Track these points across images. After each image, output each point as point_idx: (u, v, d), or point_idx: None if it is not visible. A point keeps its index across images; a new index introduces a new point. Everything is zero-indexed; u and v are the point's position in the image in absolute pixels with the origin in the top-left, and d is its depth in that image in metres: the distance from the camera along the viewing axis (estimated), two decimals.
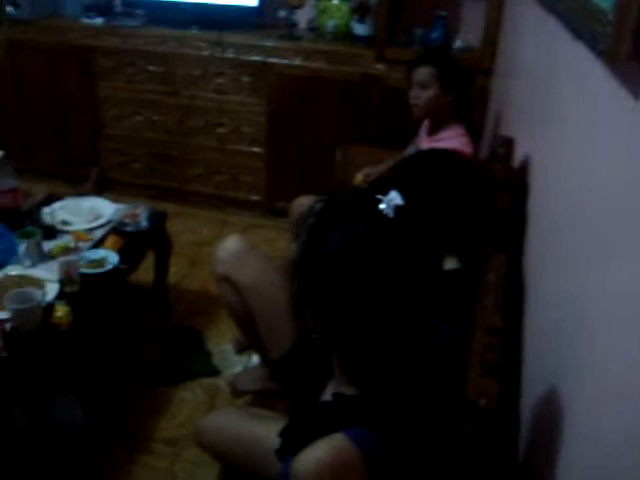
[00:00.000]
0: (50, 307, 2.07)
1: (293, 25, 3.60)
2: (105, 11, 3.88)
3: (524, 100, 2.33)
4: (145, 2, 3.83)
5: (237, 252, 2.04)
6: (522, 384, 1.64)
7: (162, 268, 2.89)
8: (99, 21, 3.80)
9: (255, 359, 2.60)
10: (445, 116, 2.66)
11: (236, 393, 2.49)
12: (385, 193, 1.17)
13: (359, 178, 2.93)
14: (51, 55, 3.89)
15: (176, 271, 3.15)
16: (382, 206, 1.15)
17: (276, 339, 1.92)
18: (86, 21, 3.82)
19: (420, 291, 1.14)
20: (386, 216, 1.14)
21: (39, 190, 2.85)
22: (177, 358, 2.71)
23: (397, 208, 1.14)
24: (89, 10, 3.86)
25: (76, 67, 3.85)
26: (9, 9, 3.82)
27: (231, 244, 2.06)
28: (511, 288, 1.73)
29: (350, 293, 1.10)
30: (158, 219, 2.76)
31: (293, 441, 1.34)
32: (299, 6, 3.61)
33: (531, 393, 1.54)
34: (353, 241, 1.11)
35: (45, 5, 3.93)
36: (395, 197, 1.15)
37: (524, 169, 2.05)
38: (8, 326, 1.99)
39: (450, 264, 1.65)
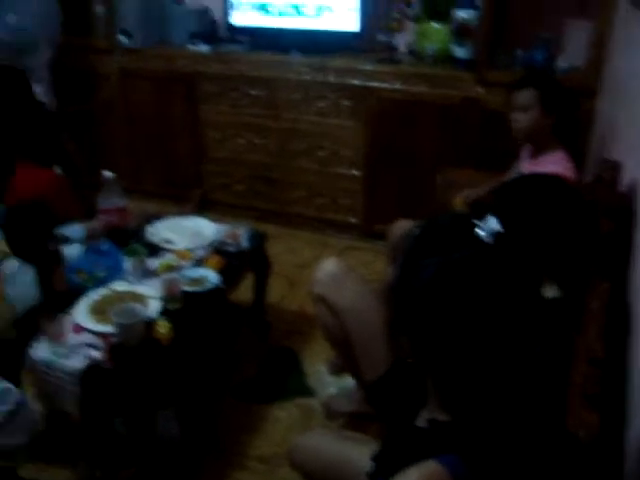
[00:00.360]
0: (153, 323, 2.14)
1: (393, 49, 3.62)
2: (210, 38, 4.02)
3: (634, 123, 2.25)
4: (249, 29, 3.95)
5: (335, 274, 2.05)
6: (627, 416, 1.58)
7: (261, 288, 2.95)
8: (204, 48, 3.94)
9: (350, 381, 2.60)
10: (547, 139, 2.61)
11: (330, 414, 2.50)
12: (484, 218, 1.16)
13: (459, 202, 2.90)
14: (159, 81, 4.07)
15: (275, 291, 3.20)
16: (480, 232, 1.13)
17: (371, 362, 1.92)
18: (192, 48, 3.98)
19: (518, 320, 1.12)
20: (484, 242, 1.12)
21: (145, 210, 2.96)
22: (273, 377, 2.75)
23: (496, 234, 1.12)
24: (195, 37, 4.01)
25: (182, 92, 4.01)
26: (122, 39, 4.03)
27: (329, 266, 2.08)
28: (615, 317, 1.66)
29: (446, 320, 1.09)
30: (258, 240, 2.81)
31: (386, 465, 1.33)
32: (399, 30, 3.63)
33: (638, 425, 1.48)
34: (450, 267, 1.10)
35: (154, 34, 4.11)
36: (493, 223, 1.14)
37: (631, 194, 1.98)
38: (114, 340, 2.08)
39: (551, 292, 1.60)
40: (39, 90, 4.02)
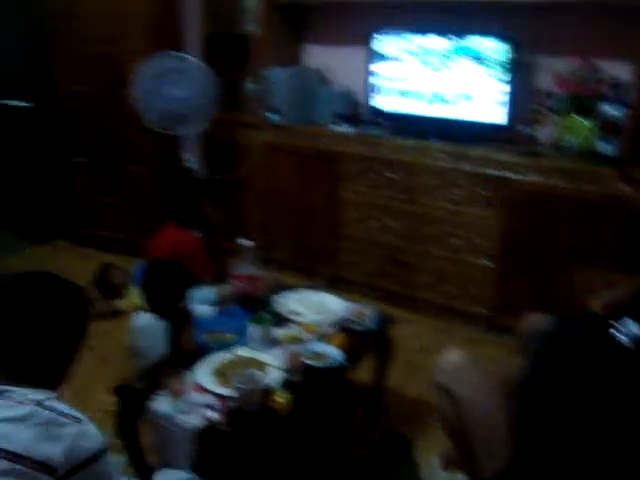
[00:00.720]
0: (272, 392, 2.16)
1: (534, 141, 3.58)
2: (353, 120, 4.14)
3: None
4: (391, 113, 4.04)
5: (459, 364, 2.01)
6: None
7: (382, 370, 2.92)
8: (347, 129, 4.07)
9: (462, 477, 2.50)
10: None
11: None
12: (622, 321, 1.11)
13: (595, 303, 2.78)
14: (301, 158, 4.22)
15: (395, 375, 3.15)
16: (618, 335, 1.08)
17: (488, 458, 1.84)
18: (335, 128, 4.11)
19: None
20: (623, 346, 1.07)
21: (276, 279, 3.03)
22: (384, 463, 2.69)
23: (636, 339, 1.07)
24: (338, 118, 4.14)
25: (323, 170, 4.13)
26: (271, 116, 4.24)
27: (454, 356, 2.05)
28: None
29: (577, 424, 1.04)
30: (384, 322, 2.80)
31: None
32: (542, 123, 3.60)
33: None
34: (586, 370, 1.05)
35: (300, 113, 4.29)
36: (633, 327, 1.09)
37: None
38: (232, 403, 2.11)
39: None
40: (190, 157, 4.29)
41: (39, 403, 1.37)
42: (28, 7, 4.78)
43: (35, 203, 5.19)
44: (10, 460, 1.29)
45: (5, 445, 1.30)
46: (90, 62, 4.58)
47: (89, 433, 1.39)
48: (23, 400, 1.37)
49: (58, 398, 1.44)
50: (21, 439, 1.31)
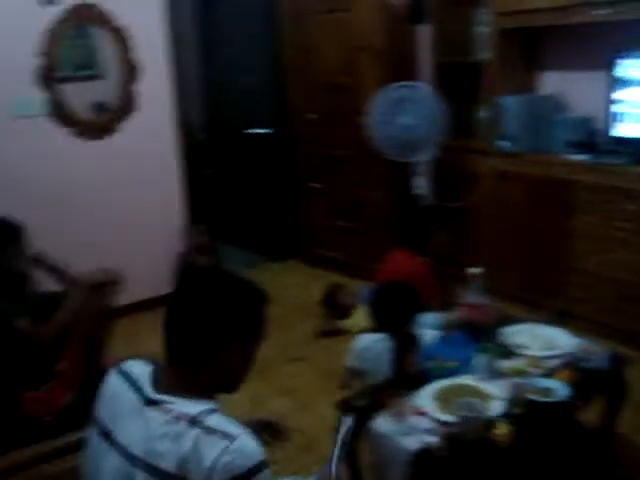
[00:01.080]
0: (492, 423, 2.12)
1: None
2: (589, 147, 3.96)
3: None
4: (634, 140, 3.81)
5: None
6: None
7: (612, 413, 2.74)
8: (582, 157, 3.90)
9: None
10: None
11: None
12: None
13: None
14: (533, 186, 4.11)
15: (627, 420, 2.94)
16: None
17: None
18: (570, 157, 3.96)
19: None
20: None
21: (501, 310, 2.98)
22: None
23: None
24: (573, 146, 3.99)
25: (554, 199, 4.00)
26: (502, 143, 4.20)
27: None
28: None
29: None
30: (616, 361, 2.63)
31: None
32: None
33: None
34: None
35: (533, 140, 4.19)
36: None
37: None
38: (452, 430, 2.11)
39: None
40: (420, 184, 4.37)
41: (193, 419, 1.35)
42: (270, 42, 5.22)
43: (273, 224, 5.57)
44: (162, 478, 1.31)
45: (160, 464, 1.32)
46: (325, 92, 4.87)
47: (239, 451, 1.32)
48: (178, 414, 1.36)
49: (216, 410, 1.41)
50: (173, 457, 1.31)
